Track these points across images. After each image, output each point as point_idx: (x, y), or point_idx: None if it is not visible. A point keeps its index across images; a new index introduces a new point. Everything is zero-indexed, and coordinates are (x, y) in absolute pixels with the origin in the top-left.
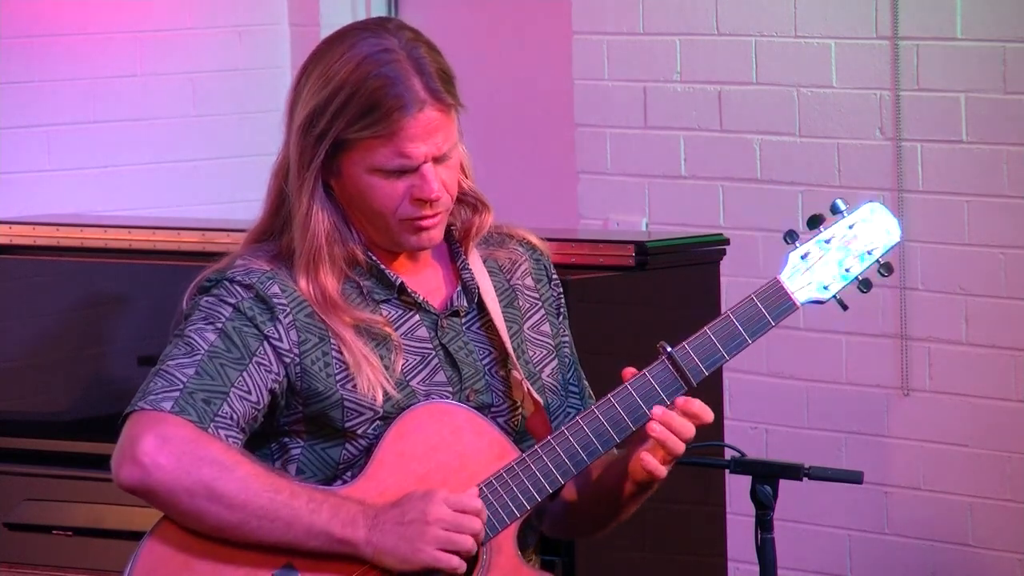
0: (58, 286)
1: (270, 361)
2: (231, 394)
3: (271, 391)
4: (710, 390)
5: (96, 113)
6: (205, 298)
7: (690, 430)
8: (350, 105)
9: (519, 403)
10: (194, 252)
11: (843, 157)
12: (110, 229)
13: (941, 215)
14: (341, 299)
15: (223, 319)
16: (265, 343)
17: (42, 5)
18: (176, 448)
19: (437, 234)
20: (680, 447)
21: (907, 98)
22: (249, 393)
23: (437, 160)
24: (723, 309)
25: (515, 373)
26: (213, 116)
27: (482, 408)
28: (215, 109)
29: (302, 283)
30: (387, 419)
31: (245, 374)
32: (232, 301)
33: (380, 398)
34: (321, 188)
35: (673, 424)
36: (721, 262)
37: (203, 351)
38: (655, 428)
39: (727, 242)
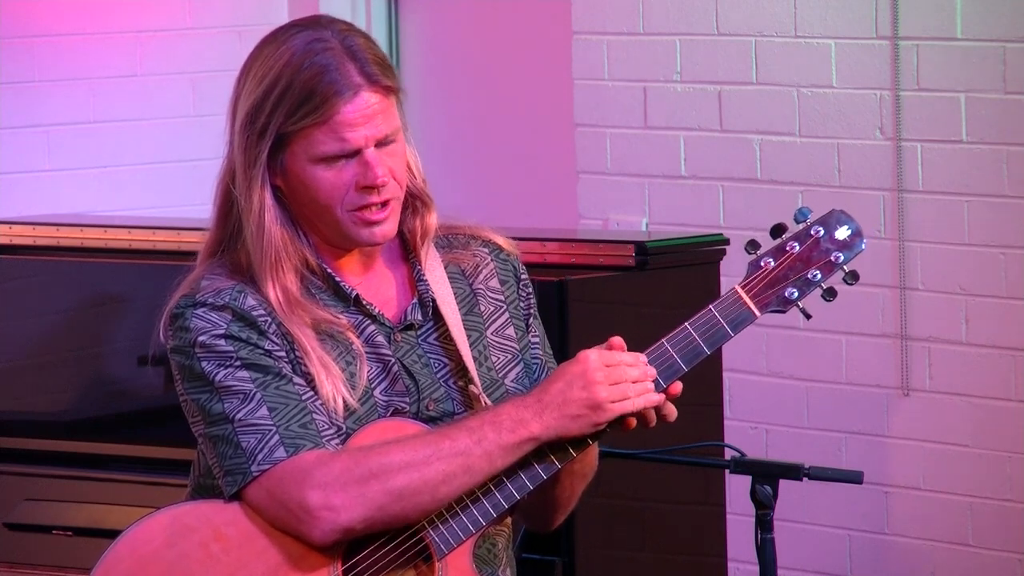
0: (58, 286)
1: (285, 367)
2: (308, 406)
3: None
4: (710, 390)
5: (96, 113)
6: (197, 340)
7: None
8: (287, 97)
9: (475, 411)
10: (194, 252)
11: (843, 157)
12: (110, 229)
13: (941, 215)
14: (303, 298)
15: (233, 353)
16: (271, 356)
17: (42, 5)
18: (339, 484)
19: (389, 228)
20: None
21: (907, 98)
22: (313, 397)
23: (380, 145)
24: None
25: (472, 388)
26: (213, 116)
27: (444, 416)
28: (215, 109)
29: (268, 288)
30: (348, 435)
31: (295, 385)
32: (221, 332)
33: (341, 410)
34: (269, 187)
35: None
36: (721, 262)
37: (253, 389)
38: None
39: (727, 242)
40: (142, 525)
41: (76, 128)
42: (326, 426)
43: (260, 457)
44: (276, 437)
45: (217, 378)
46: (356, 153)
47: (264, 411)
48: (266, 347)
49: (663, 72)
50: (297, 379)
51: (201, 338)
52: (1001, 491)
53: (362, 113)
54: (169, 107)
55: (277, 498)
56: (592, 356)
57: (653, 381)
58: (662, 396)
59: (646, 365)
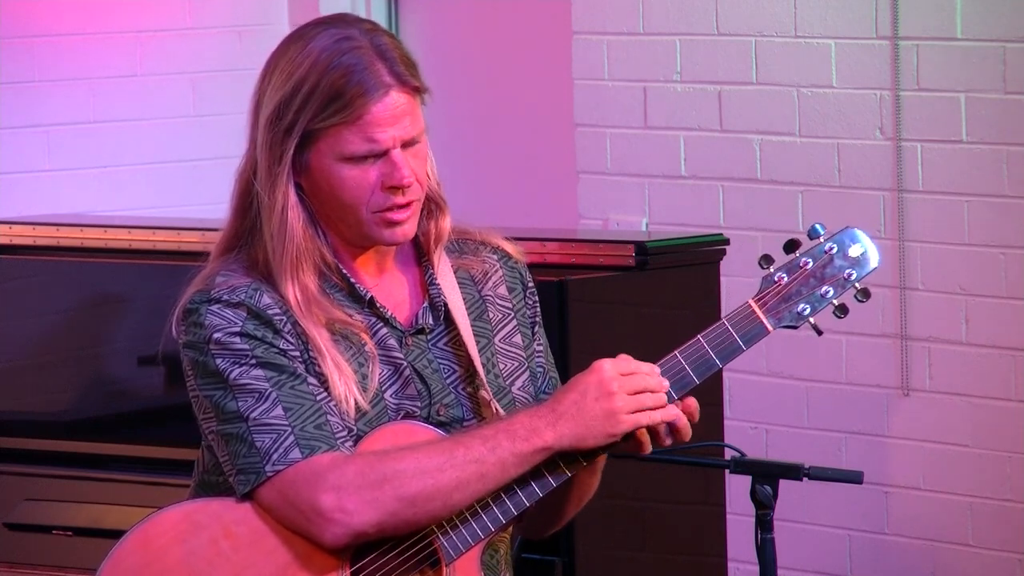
0: (58, 286)
1: (299, 367)
2: (323, 407)
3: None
4: (710, 390)
5: (96, 113)
6: (212, 336)
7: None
8: (315, 94)
9: (489, 420)
10: (194, 252)
11: (843, 157)
12: (110, 229)
13: (941, 215)
14: (322, 296)
15: (248, 351)
16: (286, 355)
17: (42, 5)
18: (353, 488)
19: (410, 228)
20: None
21: (907, 98)
22: (327, 398)
23: (405, 146)
24: (723, 310)
25: (482, 393)
26: (213, 116)
27: (453, 422)
28: (215, 109)
29: (287, 284)
30: (358, 438)
31: (309, 385)
32: (236, 329)
33: (352, 411)
34: (293, 184)
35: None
36: (721, 262)
37: (268, 388)
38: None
39: (727, 242)
40: (152, 521)
41: (76, 128)
42: (340, 428)
43: (275, 457)
44: (291, 438)
45: (232, 376)
46: (383, 153)
47: (279, 411)
48: (281, 346)
49: (663, 72)
50: (311, 379)
51: (216, 335)
52: (1001, 491)
53: (391, 113)
54: (169, 107)
55: (289, 499)
56: (607, 365)
57: (666, 393)
58: (678, 412)
59: (659, 376)
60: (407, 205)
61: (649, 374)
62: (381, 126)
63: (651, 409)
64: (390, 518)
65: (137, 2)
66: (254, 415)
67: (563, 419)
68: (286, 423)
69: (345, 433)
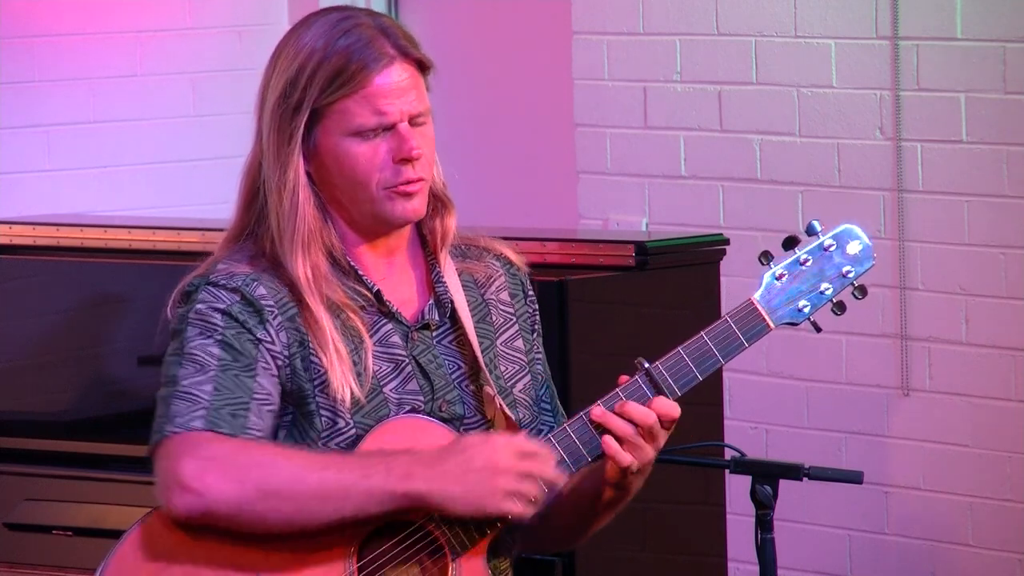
0: (58, 286)
1: (268, 363)
2: (252, 403)
3: (279, 392)
4: (710, 390)
5: (96, 113)
6: (195, 308)
7: (653, 440)
8: (321, 70)
9: (491, 418)
10: (194, 252)
11: (843, 157)
12: (110, 229)
13: (941, 215)
14: (332, 277)
15: (219, 329)
16: (260, 346)
17: (42, 5)
18: (220, 463)
19: (420, 205)
20: (646, 456)
21: (907, 98)
22: (267, 398)
23: (412, 122)
24: (723, 310)
25: (487, 388)
26: (213, 116)
27: (454, 419)
28: (215, 109)
29: (298, 262)
30: (360, 433)
31: (258, 380)
32: (222, 307)
33: (348, 400)
34: (303, 165)
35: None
36: (721, 262)
37: (213, 366)
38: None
39: (727, 242)
40: (154, 517)
41: (76, 128)
42: (257, 429)
43: (179, 421)
44: (203, 410)
45: (190, 346)
46: (390, 128)
47: (209, 387)
48: (258, 335)
49: (663, 72)
50: (263, 381)
51: (200, 306)
52: (1001, 491)
53: (396, 85)
54: (169, 107)
55: (162, 464)
56: (501, 443)
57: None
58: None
59: (552, 464)
60: (417, 180)
61: (545, 460)
62: (387, 97)
63: (529, 499)
64: (246, 505)
65: (137, 2)
66: (184, 382)
67: (441, 476)
68: (207, 398)
69: (259, 436)
